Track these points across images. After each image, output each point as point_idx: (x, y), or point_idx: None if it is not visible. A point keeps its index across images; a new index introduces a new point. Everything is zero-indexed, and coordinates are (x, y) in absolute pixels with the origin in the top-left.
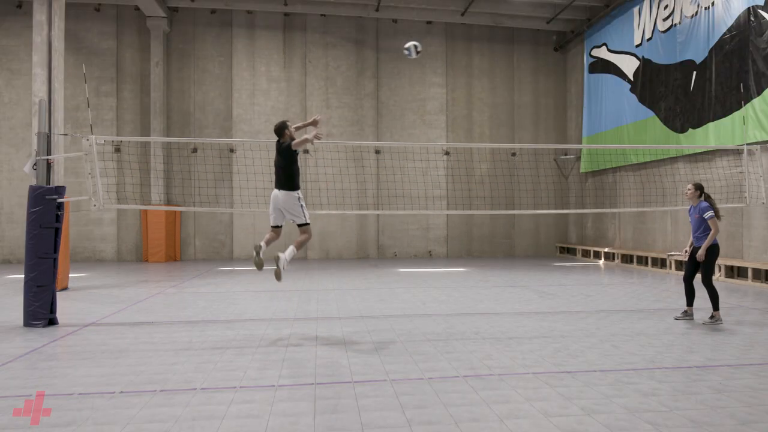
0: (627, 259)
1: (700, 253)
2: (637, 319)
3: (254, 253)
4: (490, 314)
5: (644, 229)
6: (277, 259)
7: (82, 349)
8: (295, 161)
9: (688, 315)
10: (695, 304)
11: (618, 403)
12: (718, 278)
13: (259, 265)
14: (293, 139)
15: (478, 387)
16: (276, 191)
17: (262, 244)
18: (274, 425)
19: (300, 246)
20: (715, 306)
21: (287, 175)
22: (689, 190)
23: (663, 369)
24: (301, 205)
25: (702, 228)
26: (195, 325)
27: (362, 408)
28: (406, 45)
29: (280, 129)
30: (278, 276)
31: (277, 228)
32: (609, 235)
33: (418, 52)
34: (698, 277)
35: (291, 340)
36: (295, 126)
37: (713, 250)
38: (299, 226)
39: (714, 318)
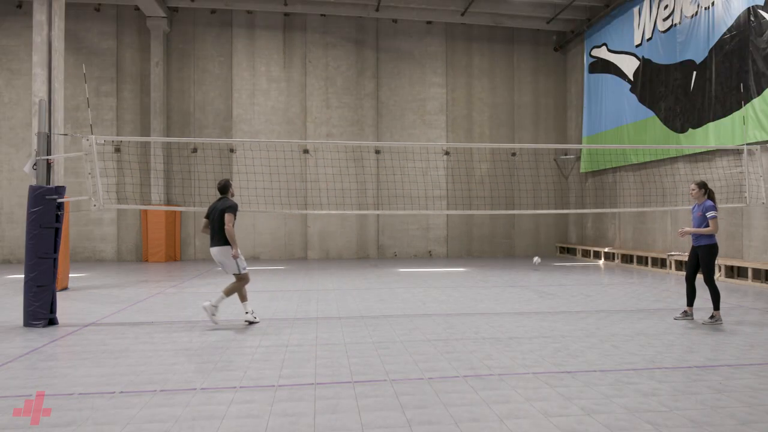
0: (627, 259)
1: (686, 230)
2: (637, 319)
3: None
4: (490, 314)
5: (644, 229)
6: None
7: (82, 349)
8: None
9: (687, 315)
10: (696, 304)
11: (618, 403)
12: (718, 278)
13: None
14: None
15: (478, 387)
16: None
17: (249, 312)
18: (274, 425)
19: (230, 292)
20: (716, 305)
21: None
22: (693, 189)
23: (663, 369)
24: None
25: (703, 226)
26: (195, 325)
27: (362, 408)
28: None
29: (225, 187)
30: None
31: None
32: (609, 235)
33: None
34: (701, 277)
35: (291, 340)
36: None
37: (712, 250)
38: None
39: (714, 318)
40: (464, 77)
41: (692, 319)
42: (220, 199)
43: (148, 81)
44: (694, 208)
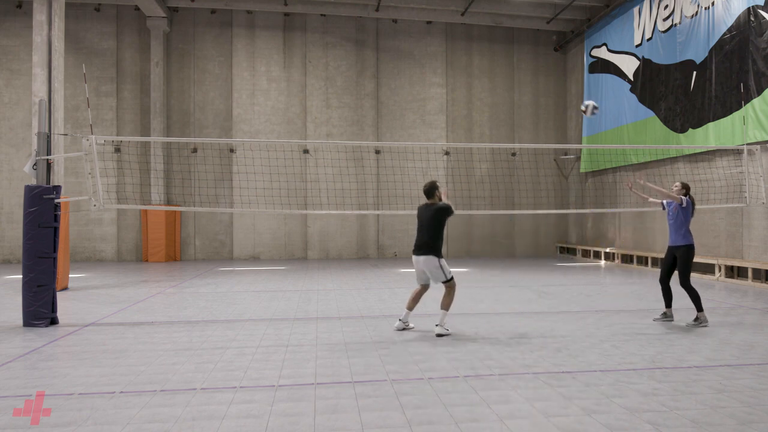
0: (627, 259)
1: (646, 184)
2: (637, 319)
3: (401, 326)
4: (490, 314)
5: (644, 229)
6: (440, 335)
7: (82, 349)
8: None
9: (667, 317)
10: (677, 304)
11: (618, 403)
12: (718, 278)
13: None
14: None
15: (478, 387)
16: (416, 257)
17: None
18: (274, 425)
19: (449, 305)
20: (699, 307)
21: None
22: (676, 186)
23: (663, 369)
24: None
25: (677, 227)
26: (195, 325)
27: (362, 408)
28: (585, 104)
29: (432, 190)
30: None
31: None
32: (609, 235)
33: (594, 111)
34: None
35: (291, 340)
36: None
37: (690, 251)
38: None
39: (699, 320)
40: (464, 77)
41: (672, 320)
42: (427, 205)
43: (148, 81)
44: (670, 206)
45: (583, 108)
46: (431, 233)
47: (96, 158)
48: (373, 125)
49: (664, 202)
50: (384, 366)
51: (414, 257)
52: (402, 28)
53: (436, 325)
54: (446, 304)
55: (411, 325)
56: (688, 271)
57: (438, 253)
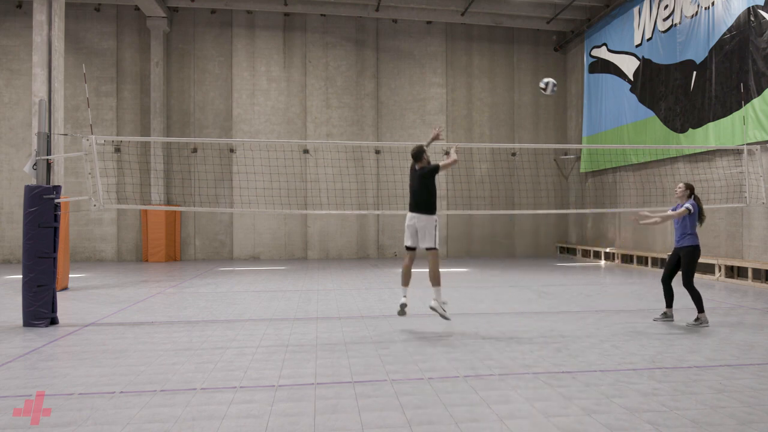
0: (627, 259)
1: (638, 215)
2: (637, 319)
3: (399, 309)
4: (490, 314)
5: (644, 229)
6: (434, 308)
7: (82, 349)
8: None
9: (667, 317)
10: (677, 304)
11: (618, 403)
12: (718, 278)
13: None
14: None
15: (478, 387)
16: (412, 214)
17: (404, 296)
18: (274, 425)
19: (436, 278)
20: (700, 308)
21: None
22: (679, 188)
23: (663, 369)
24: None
25: (682, 228)
26: (195, 325)
27: (362, 408)
28: (545, 81)
29: (420, 153)
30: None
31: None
32: (609, 235)
33: (554, 89)
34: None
35: (291, 340)
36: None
37: (694, 252)
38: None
39: (699, 320)
40: (464, 77)
41: (672, 320)
42: (415, 169)
43: (148, 81)
44: (675, 207)
45: (542, 85)
46: (425, 192)
47: (96, 158)
48: (373, 125)
49: (670, 210)
50: (384, 366)
51: (412, 215)
52: (402, 28)
53: (433, 300)
54: (435, 278)
55: (407, 309)
56: (692, 272)
57: (435, 211)
